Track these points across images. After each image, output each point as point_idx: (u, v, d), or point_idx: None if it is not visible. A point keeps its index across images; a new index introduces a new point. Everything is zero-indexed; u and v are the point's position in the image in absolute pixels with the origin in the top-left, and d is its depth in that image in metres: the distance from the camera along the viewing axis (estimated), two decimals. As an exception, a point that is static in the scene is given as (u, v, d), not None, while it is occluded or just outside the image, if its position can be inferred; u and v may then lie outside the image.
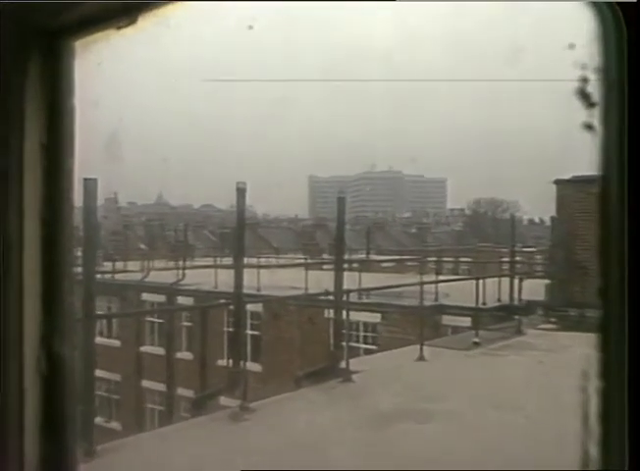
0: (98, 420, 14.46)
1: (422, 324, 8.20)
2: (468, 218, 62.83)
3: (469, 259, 30.16)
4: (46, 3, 0.93)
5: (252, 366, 13.01)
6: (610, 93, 0.62)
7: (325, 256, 29.56)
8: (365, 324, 13.30)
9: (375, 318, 13.12)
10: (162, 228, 43.13)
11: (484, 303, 10.92)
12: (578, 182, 9.48)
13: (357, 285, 11.58)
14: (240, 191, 5.31)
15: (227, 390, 5.83)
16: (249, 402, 5.21)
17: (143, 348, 17.21)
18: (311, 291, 11.94)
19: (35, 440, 0.97)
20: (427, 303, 10.31)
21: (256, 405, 5.26)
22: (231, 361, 5.73)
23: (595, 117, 0.64)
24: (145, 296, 17.10)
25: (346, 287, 6.61)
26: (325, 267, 18.79)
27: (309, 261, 20.76)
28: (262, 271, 15.18)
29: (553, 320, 10.03)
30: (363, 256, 27.44)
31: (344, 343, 6.80)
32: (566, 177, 10.21)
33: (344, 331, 6.97)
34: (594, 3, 0.64)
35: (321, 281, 9.37)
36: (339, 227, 6.89)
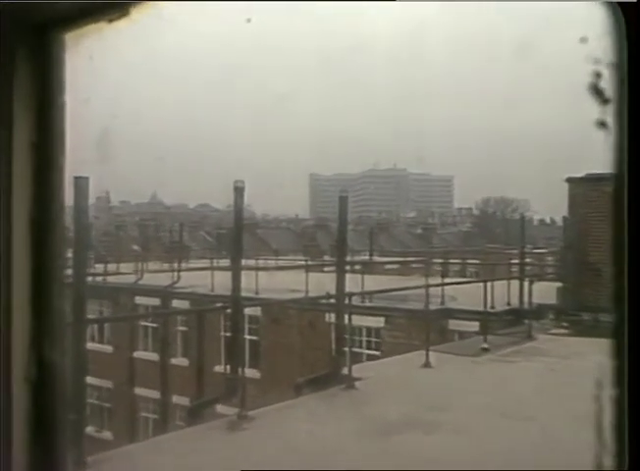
0: (89, 429, 14.48)
1: (428, 329, 8.19)
2: (476, 218, 62.86)
3: (477, 261, 30.22)
4: (35, -6, 0.93)
5: (251, 372, 13.00)
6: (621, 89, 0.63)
7: (326, 258, 29.60)
8: (368, 329, 13.30)
9: (378, 322, 13.12)
10: (156, 228, 43.23)
11: (493, 307, 10.91)
12: (592, 180, 9.46)
13: (360, 288, 11.57)
14: (238, 190, 5.31)
15: (224, 397, 5.84)
16: (248, 411, 5.22)
17: (137, 354, 17.22)
18: (312, 295, 11.95)
19: (24, 450, 0.97)
20: (433, 307, 10.30)
21: (255, 414, 5.26)
22: (228, 367, 5.73)
23: (608, 113, 0.64)
24: (139, 300, 17.12)
25: (348, 290, 6.61)
26: (326, 269, 18.81)
27: (310, 263, 20.78)
28: (261, 273, 15.19)
29: (565, 325, 10.01)
30: (366, 258, 27.49)
31: (346, 349, 6.79)
32: (579, 175, 10.21)
33: (346, 336, 6.97)
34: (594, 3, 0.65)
35: (322, 283, 9.37)
36: (341, 227, 6.89)
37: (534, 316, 10.24)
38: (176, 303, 16.10)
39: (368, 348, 13.30)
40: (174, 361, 16.38)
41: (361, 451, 4.43)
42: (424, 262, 22.65)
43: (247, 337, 14.51)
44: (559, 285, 11.32)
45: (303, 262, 21.25)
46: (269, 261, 23.43)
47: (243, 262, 6.36)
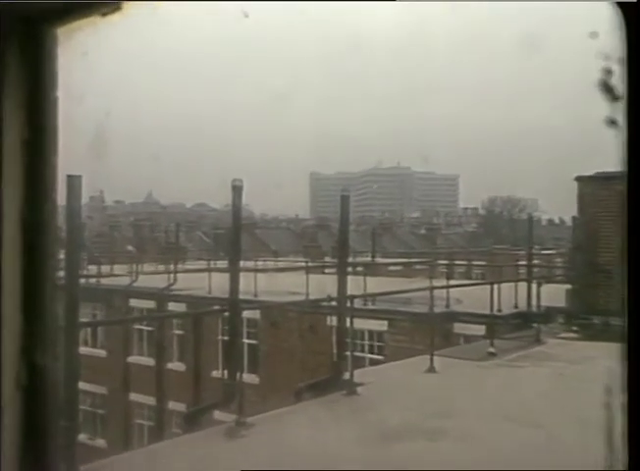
0: (82, 437, 14.52)
1: (432, 332, 8.18)
2: (482, 218, 62.90)
3: (483, 262, 30.24)
4: (26, -13, 0.93)
5: (249, 378, 13.01)
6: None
7: (327, 259, 29.64)
8: (371, 332, 13.31)
9: (381, 326, 13.12)
10: (152, 228, 43.30)
11: (499, 310, 10.90)
12: (602, 178, 9.45)
13: (362, 290, 11.57)
14: (236, 189, 5.31)
15: (222, 403, 5.83)
16: (246, 417, 5.21)
17: (131, 359, 17.23)
18: (313, 297, 11.95)
19: (14, 458, 0.97)
20: (437, 310, 10.29)
21: (253, 420, 5.26)
22: (226, 372, 5.73)
23: (619, 111, 0.64)
24: (134, 302, 17.13)
25: (349, 292, 6.60)
26: (327, 271, 18.85)
27: (310, 264, 20.79)
28: (260, 275, 15.20)
29: (574, 328, 10.01)
30: (369, 259, 27.50)
31: (347, 353, 6.79)
32: (589, 173, 10.19)
33: (347, 339, 6.97)
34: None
35: (323, 285, 9.36)
36: (342, 227, 6.89)
37: (542, 319, 10.23)
38: (172, 306, 16.10)
39: (371, 353, 13.31)
40: (170, 366, 16.39)
41: (363, 459, 4.43)
42: (428, 263, 22.68)
43: (246, 341, 14.56)
44: (568, 287, 11.31)
45: (304, 263, 21.25)
46: (268, 262, 23.47)
47: (242, 263, 6.35)
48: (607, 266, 8.92)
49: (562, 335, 9.92)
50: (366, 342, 13.39)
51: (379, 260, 28.61)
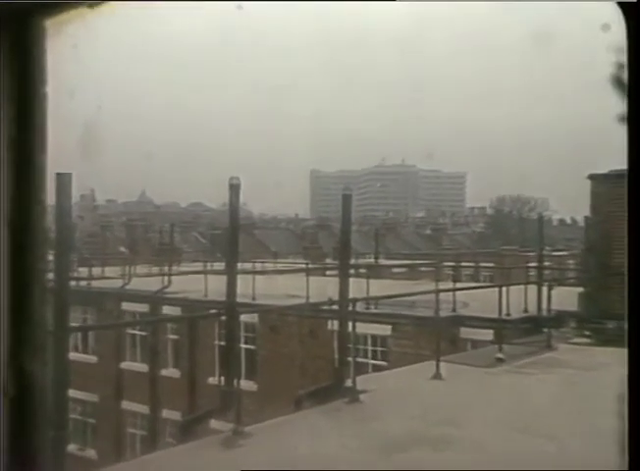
0: (71, 448, 14.52)
1: (438, 337, 8.18)
2: (490, 218, 62.94)
3: (491, 264, 30.25)
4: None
5: (247, 385, 13.02)
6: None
7: (328, 261, 29.67)
8: (374, 337, 13.31)
9: (385, 330, 13.12)
10: (145, 229, 43.35)
11: (508, 314, 10.89)
12: (616, 176, 9.43)
13: (365, 293, 11.58)
14: (234, 188, 5.31)
15: (218, 411, 5.84)
16: (244, 426, 5.21)
17: (124, 365, 17.24)
18: (313, 300, 11.94)
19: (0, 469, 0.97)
20: (443, 314, 10.29)
21: (252, 429, 5.25)
22: (222, 379, 5.73)
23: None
24: (126, 306, 17.14)
25: (352, 295, 6.60)
26: (328, 273, 18.87)
27: (311, 266, 20.83)
28: (258, 277, 15.21)
29: (587, 333, 10.00)
30: (372, 261, 27.49)
31: (349, 359, 6.79)
32: (602, 171, 10.18)
33: (349, 345, 6.97)
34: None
35: (324, 288, 9.36)
36: (344, 228, 6.89)
37: (553, 324, 10.21)
38: (166, 310, 16.11)
39: (374, 358, 13.31)
40: (164, 372, 16.40)
41: (367, 469, 4.43)
42: (434, 265, 22.68)
43: (244, 346, 14.57)
44: (580, 290, 11.30)
45: (304, 265, 21.27)
46: (267, 264, 23.50)
47: (239, 265, 6.36)
48: (621, 268, 8.87)
49: (575, 340, 9.91)
50: (369, 348, 13.39)
51: (382, 262, 28.60)
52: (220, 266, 16.48)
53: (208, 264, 19.03)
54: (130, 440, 16.88)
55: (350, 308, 6.55)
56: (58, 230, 4.10)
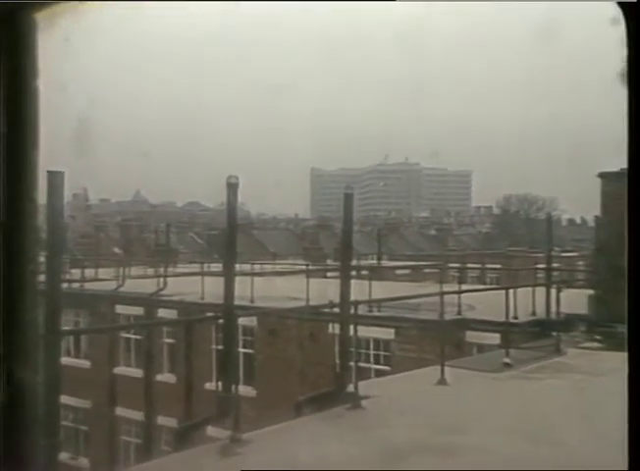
0: (63, 456, 14.52)
1: (443, 341, 8.18)
2: (497, 217, 62.95)
3: (498, 266, 30.28)
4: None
5: (245, 390, 13.02)
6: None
7: (329, 262, 29.69)
8: (376, 341, 13.31)
9: (388, 334, 13.13)
10: (140, 229, 43.40)
11: (516, 317, 10.89)
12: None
13: (367, 295, 11.58)
14: (232, 187, 5.31)
15: (215, 418, 5.83)
16: (242, 433, 5.21)
17: (117, 370, 17.25)
18: (313, 303, 11.95)
19: (-9, 478, 0.96)
20: (448, 317, 10.28)
21: (250, 437, 5.25)
22: (220, 384, 5.73)
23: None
24: (120, 309, 17.16)
25: (353, 297, 6.60)
26: (329, 274, 18.88)
27: (311, 268, 20.83)
28: (257, 279, 15.23)
29: (598, 338, 9.99)
30: (374, 262, 27.54)
31: (351, 364, 6.79)
32: (614, 169, 10.18)
33: (351, 349, 6.96)
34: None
35: (325, 290, 9.36)
36: (345, 228, 6.89)
37: (562, 328, 10.22)
38: (161, 313, 16.13)
39: (376, 363, 13.32)
40: (159, 378, 16.40)
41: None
42: (438, 267, 22.69)
43: (242, 350, 14.56)
44: (590, 292, 11.30)
45: (304, 267, 21.28)
46: (266, 265, 23.51)
47: (237, 267, 6.36)
48: (632, 270, 8.86)
49: (585, 344, 9.90)
50: (371, 352, 13.40)
51: (385, 263, 28.63)
52: (217, 267, 16.46)
53: (205, 265, 19.03)
54: (124, 448, 16.89)
55: (352, 311, 6.54)
56: (49, 230, 4.10)
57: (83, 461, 16.60)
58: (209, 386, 13.99)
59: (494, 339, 10.82)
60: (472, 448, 5.01)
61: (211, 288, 13.27)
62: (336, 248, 29.62)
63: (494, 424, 5.72)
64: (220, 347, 6.26)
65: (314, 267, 23.52)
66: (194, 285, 15.91)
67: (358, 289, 8.30)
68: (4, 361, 0.99)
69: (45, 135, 1.03)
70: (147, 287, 17.39)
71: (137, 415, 16.27)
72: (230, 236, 5.76)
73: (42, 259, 4.04)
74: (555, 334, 9.88)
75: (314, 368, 13.25)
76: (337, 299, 6.45)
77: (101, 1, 0.90)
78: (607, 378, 7.13)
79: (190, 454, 5.25)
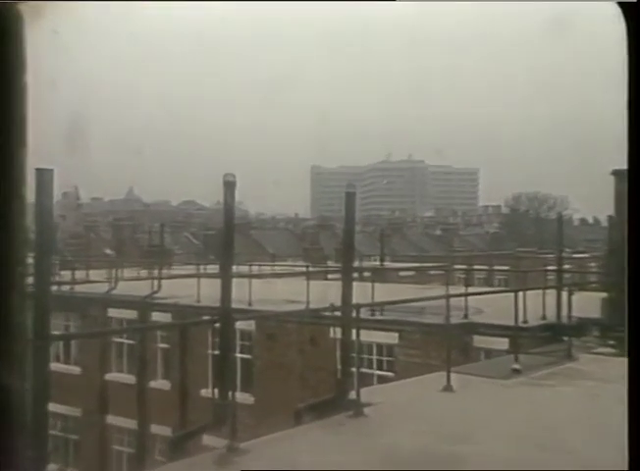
0: (52, 468, 14.52)
1: (449, 346, 8.17)
2: (505, 217, 63.01)
3: (506, 267, 30.30)
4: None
5: (243, 397, 13.03)
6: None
7: (330, 263, 29.72)
8: (379, 346, 13.32)
9: (391, 339, 13.13)
10: (133, 229, 43.48)
11: (525, 321, 10.89)
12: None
13: (370, 298, 11.58)
14: (229, 185, 5.31)
15: (212, 426, 5.84)
16: (239, 442, 5.22)
17: (109, 376, 17.26)
18: (314, 306, 11.95)
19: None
20: (454, 321, 10.28)
21: (248, 446, 5.25)
22: (216, 391, 5.73)
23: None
24: (112, 312, 17.17)
25: (355, 300, 6.60)
26: (330, 276, 18.90)
27: (311, 269, 20.86)
28: (255, 281, 15.24)
29: (611, 343, 9.98)
30: (377, 263, 27.53)
31: (353, 370, 6.79)
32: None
33: (353, 354, 6.97)
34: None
35: (326, 293, 9.36)
36: (347, 228, 6.89)
37: (574, 332, 10.21)
38: (155, 316, 16.14)
39: (379, 369, 13.32)
40: (153, 384, 16.42)
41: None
42: (444, 268, 22.70)
43: (239, 355, 14.55)
44: (603, 295, 11.29)
45: (304, 268, 21.29)
46: (264, 267, 23.53)
47: (235, 268, 6.36)
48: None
49: (598, 350, 9.90)
50: (374, 357, 13.40)
51: (388, 264, 28.64)
52: (214, 269, 16.51)
53: (201, 267, 19.06)
54: (116, 458, 16.89)
55: (354, 314, 6.55)
56: (38, 230, 4.11)
57: (74, 472, 16.61)
58: (205, 392, 14.00)
59: (502, 343, 10.81)
60: (480, 458, 5.01)
61: (207, 291, 13.27)
62: (337, 249, 29.67)
63: (502, 433, 5.72)
64: (216, 352, 6.26)
65: (315, 268, 23.55)
66: (190, 287, 15.92)
67: (360, 292, 8.31)
68: (-9, 367, 0.99)
69: (34, 132, 1.03)
70: (141, 289, 17.39)
71: (130, 423, 16.28)
72: (227, 237, 5.76)
73: (31, 260, 4.05)
74: (566, 338, 9.87)
75: (315, 374, 13.25)
76: (338, 302, 6.45)
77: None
78: (621, 385, 7.11)
79: (185, 464, 5.26)
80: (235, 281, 5.70)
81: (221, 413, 5.49)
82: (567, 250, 22.71)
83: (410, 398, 7.18)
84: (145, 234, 38.64)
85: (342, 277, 6.62)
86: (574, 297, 10.28)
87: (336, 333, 10.44)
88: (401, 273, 27.58)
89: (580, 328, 10.63)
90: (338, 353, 9.61)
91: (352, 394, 6.27)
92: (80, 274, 21.37)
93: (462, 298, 11.81)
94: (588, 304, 10.81)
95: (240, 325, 12.87)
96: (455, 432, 5.67)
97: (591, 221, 59.25)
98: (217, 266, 12.17)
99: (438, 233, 51.97)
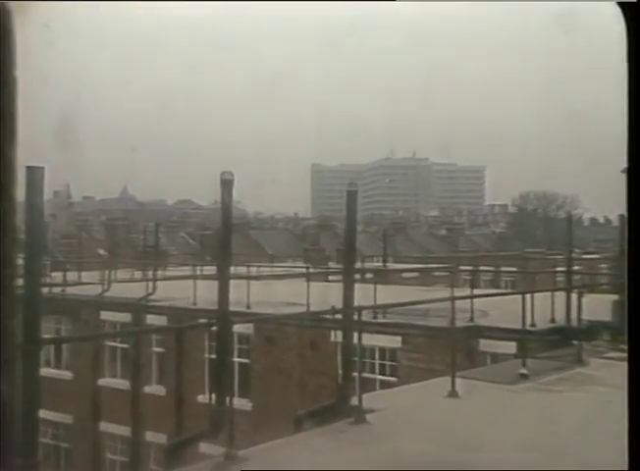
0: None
1: (454, 350, 8.18)
2: (513, 216, 62.99)
3: (514, 269, 30.29)
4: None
5: (241, 403, 13.04)
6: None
7: (331, 264, 29.73)
8: (382, 350, 13.32)
9: (394, 342, 13.13)
10: (127, 229, 43.50)
11: (533, 325, 10.89)
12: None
13: (372, 300, 11.59)
14: (226, 184, 5.31)
15: (208, 434, 5.84)
16: (237, 450, 5.22)
17: (102, 381, 17.27)
18: (314, 309, 11.96)
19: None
20: (460, 324, 10.29)
21: (246, 454, 5.26)
22: (213, 397, 5.74)
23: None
24: (105, 315, 17.18)
25: (357, 303, 6.61)
26: (331, 278, 18.89)
27: (312, 270, 20.87)
28: (253, 283, 15.23)
29: (623, 347, 9.98)
30: (379, 264, 27.52)
31: (355, 375, 6.79)
32: None
33: (355, 358, 6.97)
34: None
35: (326, 295, 9.37)
36: (349, 228, 6.89)
37: (584, 336, 10.21)
38: (150, 319, 16.14)
39: (382, 374, 13.33)
40: (147, 390, 16.42)
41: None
42: (449, 270, 22.71)
43: (237, 359, 14.60)
44: (614, 298, 11.29)
45: (304, 269, 21.30)
46: (263, 268, 23.54)
47: (233, 270, 6.36)
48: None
49: (609, 354, 9.88)
50: (377, 362, 13.41)
51: (391, 266, 28.63)
52: (211, 270, 16.49)
53: (198, 268, 19.05)
54: (109, 466, 16.90)
55: (356, 317, 6.55)
56: (28, 230, 4.11)
57: (65, 480, 16.62)
58: (202, 398, 14.00)
59: (509, 347, 10.82)
60: (488, 466, 5.01)
61: (204, 293, 13.28)
62: (338, 250, 29.66)
63: (510, 440, 5.72)
64: (213, 357, 6.26)
65: (315, 270, 23.55)
66: (186, 289, 15.93)
67: (362, 294, 8.31)
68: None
69: (24, 128, 1.03)
70: (135, 291, 17.40)
71: (124, 431, 16.26)
72: (224, 237, 5.76)
73: (21, 261, 4.05)
74: (576, 342, 9.87)
75: (315, 379, 13.26)
76: (339, 305, 6.46)
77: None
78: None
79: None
80: (232, 282, 5.70)
81: (218, 420, 5.49)
82: (577, 251, 22.74)
83: (414, 404, 7.18)
84: (140, 234, 38.64)
85: (343, 278, 6.63)
86: (584, 300, 10.27)
87: (337, 336, 10.44)
88: (405, 274, 27.59)
89: (590, 331, 10.63)
90: (339, 358, 9.61)
91: (354, 400, 6.27)
92: (71, 275, 21.37)
93: (468, 301, 11.82)
94: (599, 307, 10.80)
95: (237, 328, 12.93)
96: (461, 439, 5.67)
97: (602, 220, 59.23)
98: (214, 267, 12.19)
99: (442, 233, 51.98)
